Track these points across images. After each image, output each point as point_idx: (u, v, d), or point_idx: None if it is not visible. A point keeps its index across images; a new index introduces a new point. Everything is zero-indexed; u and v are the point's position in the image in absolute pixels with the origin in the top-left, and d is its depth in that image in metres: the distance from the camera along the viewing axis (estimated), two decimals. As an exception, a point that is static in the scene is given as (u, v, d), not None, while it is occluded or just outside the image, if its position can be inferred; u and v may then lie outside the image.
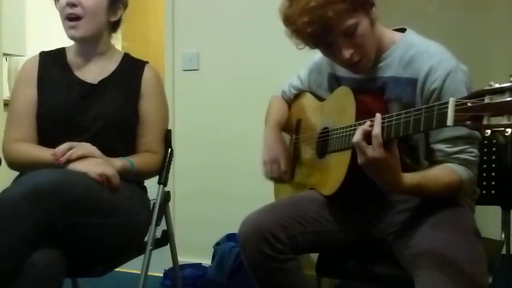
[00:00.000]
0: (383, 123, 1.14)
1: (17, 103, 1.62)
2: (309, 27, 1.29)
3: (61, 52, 1.70)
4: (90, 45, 1.65)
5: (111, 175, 1.43)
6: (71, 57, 1.68)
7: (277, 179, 1.63)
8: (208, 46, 2.62)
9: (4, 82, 3.77)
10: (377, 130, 1.13)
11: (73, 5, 1.56)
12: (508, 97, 0.86)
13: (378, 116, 1.15)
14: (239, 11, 2.55)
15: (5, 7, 3.43)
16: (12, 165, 1.57)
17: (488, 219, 1.60)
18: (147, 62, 1.74)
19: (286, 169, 1.57)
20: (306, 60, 1.62)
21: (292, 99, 1.75)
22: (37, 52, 1.73)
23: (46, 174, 1.29)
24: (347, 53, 1.31)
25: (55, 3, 1.63)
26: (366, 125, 1.17)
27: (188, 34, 2.65)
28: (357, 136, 1.16)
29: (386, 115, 1.16)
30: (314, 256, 1.52)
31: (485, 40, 2.82)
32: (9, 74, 4.10)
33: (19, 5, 4.11)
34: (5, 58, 3.98)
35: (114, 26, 1.70)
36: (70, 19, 1.57)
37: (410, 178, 1.20)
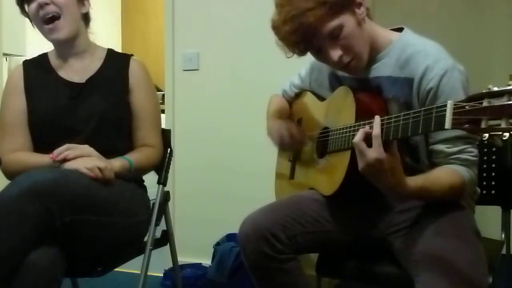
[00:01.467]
0: (382, 125, 1.14)
1: (7, 115, 1.61)
2: (292, 36, 1.30)
3: (43, 57, 1.69)
4: (70, 44, 1.63)
5: (103, 167, 1.42)
6: (54, 60, 1.67)
7: (296, 144, 1.59)
8: (208, 46, 2.61)
9: (4, 82, 3.76)
10: (377, 131, 1.13)
11: (45, 4, 1.53)
12: (506, 100, 0.86)
13: (377, 118, 1.15)
14: (239, 11, 2.54)
15: (5, 7, 3.42)
16: (12, 176, 1.54)
17: (488, 219, 1.60)
18: (131, 55, 1.73)
19: (298, 130, 1.55)
20: (307, 60, 1.62)
21: (293, 98, 1.75)
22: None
23: (43, 173, 1.30)
24: (335, 55, 1.31)
25: (25, 14, 1.59)
26: (366, 128, 1.17)
27: (188, 34, 2.65)
28: (358, 137, 1.16)
29: (385, 117, 1.16)
30: (314, 256, 1.52)
31: (485, 39, 2.82)
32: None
33: (19, 5, 4.10)
34: (5, 58, 3.97)
35: (86, 19, 1.68)
36: (46, 21, 1.55)
37: (413, 180, 1.19)
